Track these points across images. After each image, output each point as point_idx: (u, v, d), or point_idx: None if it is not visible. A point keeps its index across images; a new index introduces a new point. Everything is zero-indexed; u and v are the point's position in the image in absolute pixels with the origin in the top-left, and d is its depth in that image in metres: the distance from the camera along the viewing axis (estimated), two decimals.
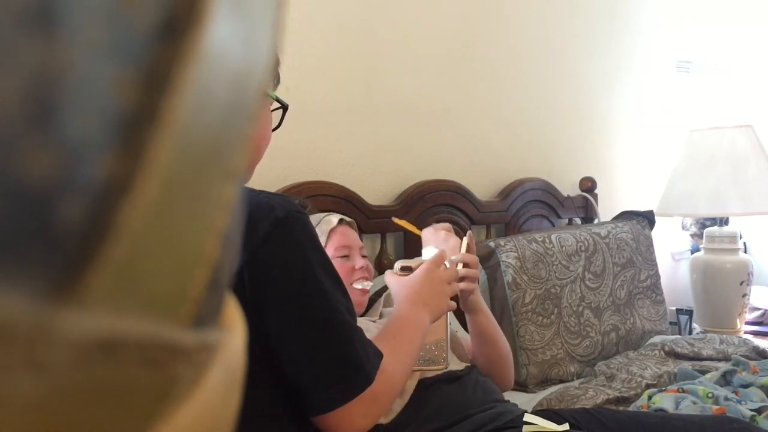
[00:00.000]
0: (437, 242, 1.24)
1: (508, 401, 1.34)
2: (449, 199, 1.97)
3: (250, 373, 0.76)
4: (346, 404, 0.80)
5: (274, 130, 0.98)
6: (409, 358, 0.94)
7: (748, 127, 2.40)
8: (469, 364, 1.37)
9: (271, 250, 0.79)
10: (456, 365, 1.35)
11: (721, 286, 2.37)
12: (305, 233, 0.82)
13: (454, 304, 1.07)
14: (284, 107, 0.97)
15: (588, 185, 2.39)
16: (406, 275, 1.05)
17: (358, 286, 1.36)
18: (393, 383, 0.87)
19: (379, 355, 0.85)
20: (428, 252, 1.09)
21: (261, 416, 0.81)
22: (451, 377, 1.28)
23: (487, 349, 1.39)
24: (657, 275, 2.19)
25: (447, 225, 1.30)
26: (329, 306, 0.82)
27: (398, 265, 1.11)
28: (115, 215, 0.12)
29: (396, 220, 1.29)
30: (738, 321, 2.37)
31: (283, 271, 0.80)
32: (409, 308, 0.98)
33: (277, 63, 0.95)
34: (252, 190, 0.85)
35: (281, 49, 0.94)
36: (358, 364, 0.82)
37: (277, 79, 0.97)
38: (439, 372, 1.20)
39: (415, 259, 1.11)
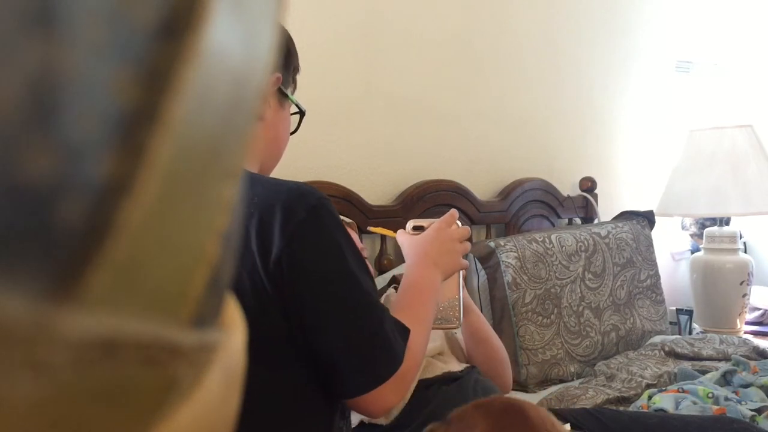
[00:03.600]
0: None
1: None
2: (449, 199, 1.97)
3: (286, 360, 0.78)
4: (376, 387, 0.83)
5: (292, 133, 1.02)
6: (426, 326, 0.96)
7: (748, 127, 2.40)
8: (468, 365, 1.37)
9: (306, 237, 0.81)
10: (455, 365, 1.35)
11: (721, 286, 2.36)
12: (335, 220, 0.85)
13: (466, 262, 1.07)
14: (302, 113, 1.00)
15: (588, 185, 2.39)
16: (418, 234, 1.05)
17: None
18: (417, 357, 0.91)
19: (406, 333, 0.88)
20: None
21: (293, 400, 0.84)
22: (451, 377, 1.28)
23: (482, 348, 1.38)
24: (657, 275, 2.19)
25: None
26: (360, 290, 0.84)
27: (410, 224, 1.10)
28: (115, 215, 0.12)
29: (372, 228, 1.28)
30: (738, 321, 2.37)
31: (318, 258, 0.82)
32: (420, 270, 0.99)
33: (297, 70, 0.99)
34: (275, 179, 0.88)
35: (296, 54, 0.97)
36: (389, 346, 0.84)
37: (294, 85, 1.00)
38: (454, 330, 1.18)
39: (428, 219, 1.11)
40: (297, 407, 0.85)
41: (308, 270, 0.82)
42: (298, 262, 0.81)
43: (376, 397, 0.84)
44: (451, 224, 1.06)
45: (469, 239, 1.09)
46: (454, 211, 1.09)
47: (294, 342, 0.83)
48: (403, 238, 1.06)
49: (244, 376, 0.19)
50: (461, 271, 1.08)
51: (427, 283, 0.98)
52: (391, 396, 0.85)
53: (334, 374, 0.84)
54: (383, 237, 1.82)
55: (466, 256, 1.07)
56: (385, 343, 0.84)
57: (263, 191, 0.83)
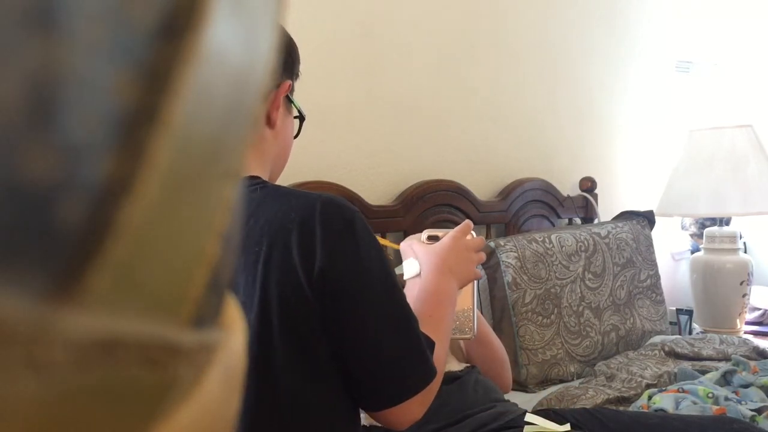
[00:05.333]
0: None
1: (509, 401, 1.34)
2: (449, 199, 1.97)
3: (326, 372, 0.79)
4: (411, 398, 0.84)
5: (294, 138, 1.03)
6: (446, 337, 0.97)
7: (748, 127, 2.40)
8: (468, 364, 1.37)
9: (345, 250, 0.82)
10: (455, 365, 1.35)
11: (721, 286, 2.36)
12: (369, 232, 0.86)
13: (480, 272, 1.07)
14: (302, 118, 1.01)
15: (588, 185, 2.39)
16: (433, 244, 1.06)
17: None
18: (441, 369, 0.91)
19: (433, 345, 0.89)
20: (409, 263, 1.08)
21: (330, 412, 0.85)
22: (451, 377, 1.28)
23: (482, 349, 1.39)
24: (657, 275, 2.19)
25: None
26: (397, 302, 0.85)
27: (425, 234, 1.11)
28: (115, 215, 0.12)
29: None
30: (738, 321, 2.37)
31: (358, 271, 0.83)
32: (438, 279, 1.00)
33: (297, 77, 1.00)
34: (306, 192, 0.89)
35: (299, 61, 0.99)
36: (425, 358, 0.85)
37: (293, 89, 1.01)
38: (467, 339, 1.19)
39: (443, 229, 1.11)
40: (333, 419, 0.86)
41: (349, 283, 0.82)
42: (339, 274, 0.81)
43: (405, 410, 0.84)
44: (466, 234, 1.06)
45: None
46: (468, 222, 1.09)
47: (334, 356, 0.83)
48: (418, 246, 1.07)
49: (243, 377, 0.19)
50: (475, 281, 1.08)
51: (445, 293, 0.99)
52: (418, 409, 0.86)
53: (368, 385, 0.85)
54: (383, 237, 1.82)
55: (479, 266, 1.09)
56: (421, 355, 0.85)
57: (298, 205, 0.84)
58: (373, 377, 0.84)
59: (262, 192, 0.87)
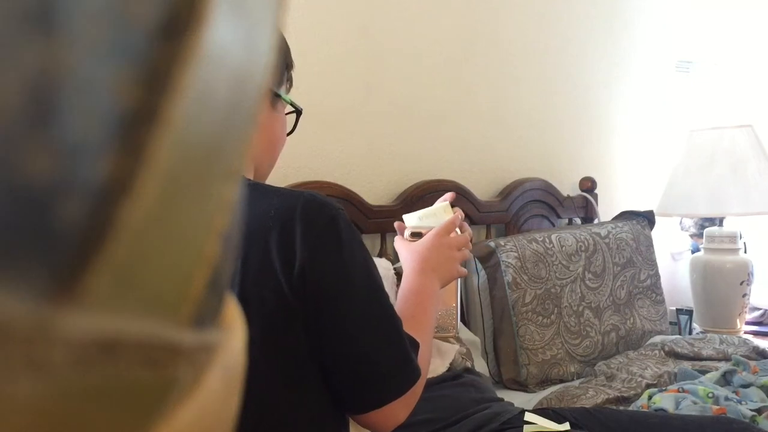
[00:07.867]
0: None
1: (503, 400, 1.34)
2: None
3: (309, 376, 0.77)
4: (395, 399, 0.82)
5: (289, 134, 0.99)
6: (430, 338, 0.95)
7: (748, 127, 2.40)
8: (452, 366, 1.36)
9: (327, 249, 0.80)
10: (440, 367, 1.35)
11: (721, 286, 2.36)
12: (353, 231, 0.84)
13: (464, 270, 1.05)
14: (298, 112, 0.98)
15: (588, 185, 2.39)
16: (416, 241, 1.04)
17: None
18: (425, 370, 0.89)
19: (416, 346, 0.87)
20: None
21: (307, 419, 0.83)
22: (444, 377, 1.28)
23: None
24: (657, 275, 2.19)
25: None
26: (381, 302, 0.83)
27: (408, 231, 1.08)
28: (115, 215, 0.12)
29: None
30: (738, 321, 2.37)
31: (340, 270, 0.81)
32: (420, 279, 0.98)
33: (290, 67, 0.96)
34: (290, 189, 0.86)
35: (289, 52, 0.95)
36: (409, 360, 0.83)
37: (290, 83, 0.97)
38: (451, 337, 1.18)
39: (426, 225, 1.09)
40: (318, 426, 0.84)
41: (330, 282, 0.80)
42: (320, 273, 0.79)
43: (389, 413, 0.82)
44: (450, 231, 1.04)
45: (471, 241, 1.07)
46: (454, 217, 1.07)
47: (315, 358, 0.81)
48: (401, 244, 1.05)
49: (245, 377, 0.19)
50: (459, 279, 1.06)
51: (427, 292, 0.97)
52: (402, 411, 0.84)
53: (350, 387, 0.83)
54: (383, 237, 1.82)
55: (465, 263, 1.06)
56: (405, 356, 0.83)
57: (280, 203, 0.81)
58: (355, 379, 0.82)
59: (244, 190, 0.85)
